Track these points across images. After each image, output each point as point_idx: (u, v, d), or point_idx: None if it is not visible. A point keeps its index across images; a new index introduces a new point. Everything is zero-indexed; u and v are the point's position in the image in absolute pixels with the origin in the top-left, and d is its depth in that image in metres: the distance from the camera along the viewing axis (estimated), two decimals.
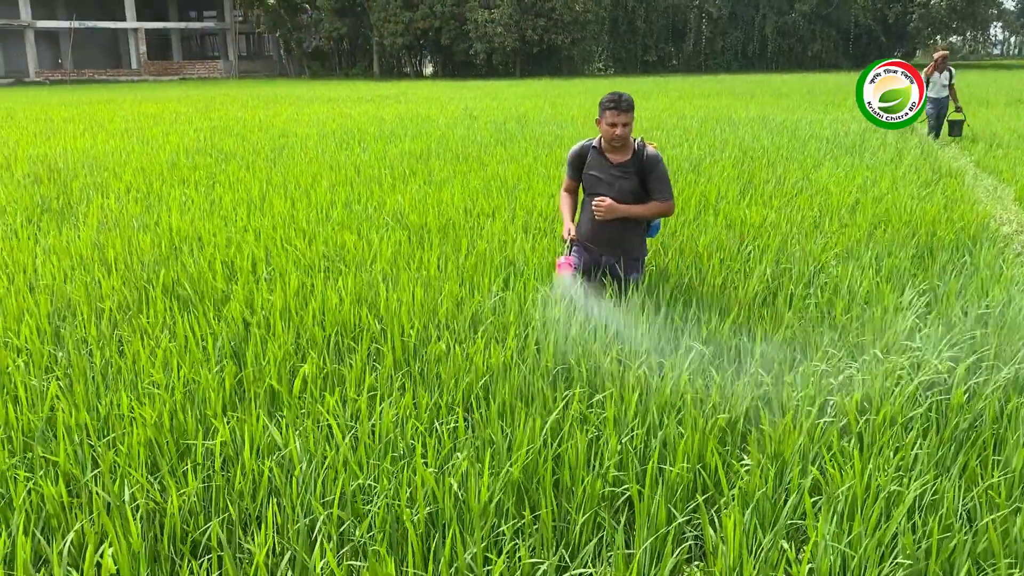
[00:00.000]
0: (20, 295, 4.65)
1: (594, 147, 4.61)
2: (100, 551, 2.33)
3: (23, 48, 53.04)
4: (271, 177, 8.95)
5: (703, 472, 2.78)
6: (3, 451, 2.90)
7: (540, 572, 2.25)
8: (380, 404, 3.21)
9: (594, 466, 2.78)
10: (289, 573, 2.29)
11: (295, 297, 4.51)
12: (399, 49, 55.15)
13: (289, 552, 2.36)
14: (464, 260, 5.23)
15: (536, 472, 2.71)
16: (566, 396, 3.21)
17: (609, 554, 2.36)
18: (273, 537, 2.42)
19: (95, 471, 2.79)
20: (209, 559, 2.38)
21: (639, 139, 4.52)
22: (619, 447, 2.85)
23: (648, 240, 5.00)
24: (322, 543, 2.35)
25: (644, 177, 4.48)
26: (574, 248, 4.69)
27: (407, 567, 2.24)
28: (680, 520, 2.52)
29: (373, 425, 3.03)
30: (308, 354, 3.72)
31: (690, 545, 2.52)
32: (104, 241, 5.86)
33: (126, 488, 2.63)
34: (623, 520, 2.51)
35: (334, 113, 18.91)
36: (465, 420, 3.13)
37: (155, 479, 2.76)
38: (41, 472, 2.77)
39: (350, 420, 3.15)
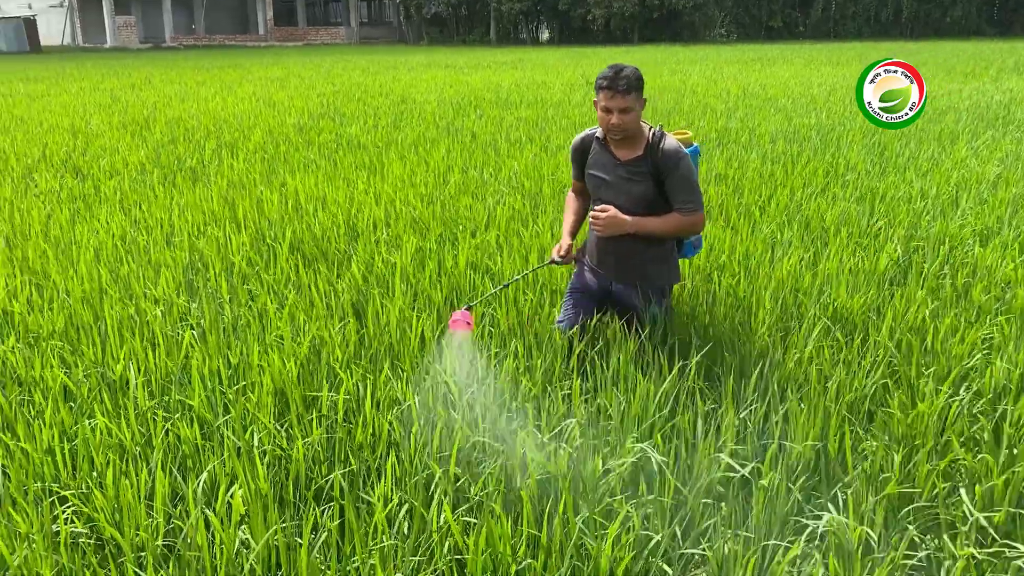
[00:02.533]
0: (158, 248, 4.91)
1: (598, 138, 3.35)
2: (231, 492, 2.45)
3: (160, 15, 55.76)
4: (391, 141, 9.11)
5: (826, 452, 2.69)
6: (143, 392, 3.09)
7: (653, 542, 2.23)
8: (494, 365, 3.24)
9: (711, 439, 2.73)
10: (407, 524, 2.35)
11: (412, 260, 4.60)
12: (516, 15, 54.96)
13: (407, 505, 2.42)
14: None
15: (652, 442, 2.69)
16: (681, 364, 3.16)
17: (727, 532, 2.32)
18: (392, 489, 2.49)
19: (226, 416, 2.94)
20: (331, 506, 2.46)
21: (656, 128, 3.24)
22: (736, 421, 2.79)
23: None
24: (439, 498, 2.41)
25: (661, 179, 3.23)
26: (576, 270, 3.65)
27: (521, 526, 2.26)
28: (799, 497, 2.45)
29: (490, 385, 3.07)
30: (423, 314, 3.79)
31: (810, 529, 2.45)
32: (234, 199, 6.11)
33: (255, 434, 2.76)
34: (740, 496, 2.46)
35: (452, 79, 19.06)
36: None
37: (282, 427, 2.89)
38: (177, 415, 2.93)
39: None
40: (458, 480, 2.52)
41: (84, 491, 2.52)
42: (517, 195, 6.23)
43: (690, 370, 3.13)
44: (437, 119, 11.14)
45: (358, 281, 4.24)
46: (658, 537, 2.23)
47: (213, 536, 2.28)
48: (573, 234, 3.55)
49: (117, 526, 2.35)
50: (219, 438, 2.80)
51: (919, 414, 2.79)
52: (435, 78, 19.60)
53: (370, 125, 10.59)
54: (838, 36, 53.61)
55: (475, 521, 2.30)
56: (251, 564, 2.17)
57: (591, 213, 3.29)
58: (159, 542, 2.30)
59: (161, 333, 3.62)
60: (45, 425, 2.76)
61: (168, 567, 2.15)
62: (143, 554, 2.26)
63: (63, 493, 2.51)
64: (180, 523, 2.35)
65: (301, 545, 2.13)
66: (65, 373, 3.24)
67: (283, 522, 2.38)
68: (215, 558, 2.20)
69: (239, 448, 2.68)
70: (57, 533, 2.35)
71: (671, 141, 3.21)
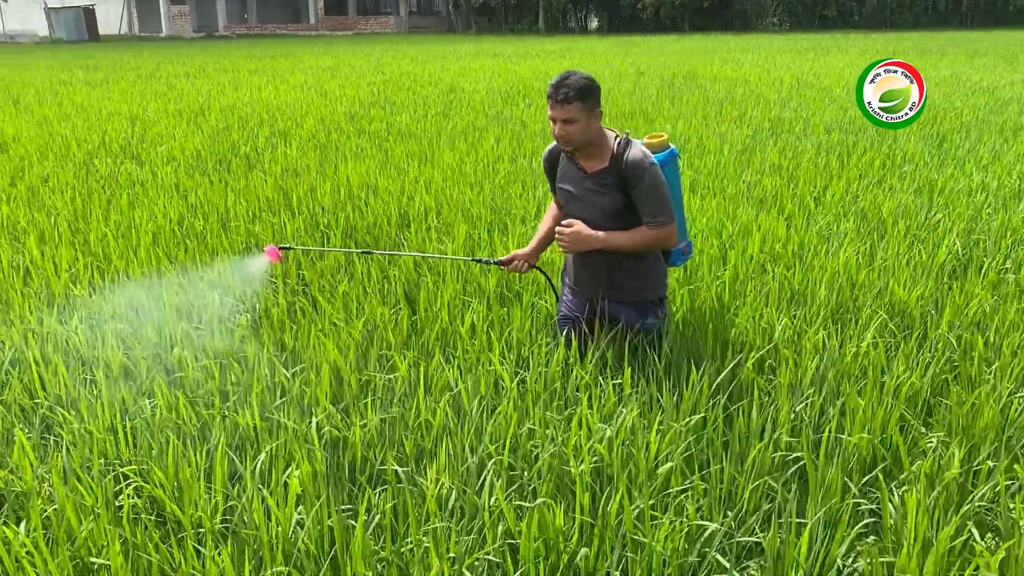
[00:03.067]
0: (214, 233, 5.01)
1: (564, 150, 3.12)
2: (287, 472, 2.50)
3: (213, 5, 56.62)
4: (440, 130, 9.15)
5: (882, 445, 2.65)
6: (202, 375, 3.16)
7: (707, 533, 2.22)
8: (543, 354, 3.24)
9: (765, 432, 2.70)
10: (460, 508, 2.37)
11: (463, 247, 4.62)
12: (565, 4, 54.72)
13: (459, 489, 2.44)
14: None
15: (705, 433, 2.67)
16: (737, 358, 3.13)
17: (780, 522, 2.30)
18: (446, 473, 2.51)
19: (283, 399, 2.99)
20: (386, 488, 2.49)
21: (622, 136, 3.01)
22: (792, 415, 2.76)
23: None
24: (491, 483, 2.42)
25: (627, 190, 3.01)
26: (561, 295, 3.46)
27: (574, 514, 2.27)
28: (855, 491, 2.41)
29: (540, 373, 3.07)
30: (472, 302, 3.81)
31: (867, 521, 2.41)
32: (288, 186, 6.20)
33: (313, 416, 2.81)
34: (795, 489, 2.43)
35: (500, 68, 19.05)
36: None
37: (338, 409, 2.93)
38: (235, 397, 2.99)
39: (518, 367, 3.21)
40: (511, 466, 2.53)
41: (144, 468, 2.59)
42: None
43: (744, 361, 3.10)
44: (486, 108, 11.15)
45: (409, 268, 4.27)
46: (713, 527, 2.21)
47: (269, 515, 2.32)
48: (540, 245, 3.37)
49: (177, 503, 2.41)
50: (277, 420, 2.85)
51: (979, 410, 2.73)
52: (484, 67, 19.61)
53: (420, 114, 10.64)
54: (894, 25, 52.31)
55: (528, 505, 2.31)
56: (306, 544, 2.20)
57: (556, 228, 3.07)
58: (217, 520, 2.35)
59: (218, 317, 3.69)
60: (106, 404, 2.84)
61: (227, 545, 2.20)
62: (202, 531, 2.31)
63: (124, 470, 2.58)
64: (237, 502, 2.40)
65: (355, 526, 2.16)
66: (125, 354, 3.33)
67: (338, 503, 2.41)
68: (272, 537, 2.24)
69: (295, 430, 2.72)
70: (120, 508, 2.42)
71: (636, 150, 2.97)
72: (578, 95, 2.85)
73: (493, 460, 2.50)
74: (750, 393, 2.89)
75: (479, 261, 3.46)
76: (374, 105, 11.64)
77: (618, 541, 2.17)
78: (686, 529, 2.18)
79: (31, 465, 2.57)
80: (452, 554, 2.15)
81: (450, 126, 9.43)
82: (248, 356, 3.25)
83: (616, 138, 3.02)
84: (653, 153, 3.08)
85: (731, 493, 2.48)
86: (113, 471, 2.58)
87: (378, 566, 2.14)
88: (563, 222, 3.07)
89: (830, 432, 2.57)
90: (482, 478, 2.48)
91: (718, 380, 2.92)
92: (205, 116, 10.73)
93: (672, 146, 3.19)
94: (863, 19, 54.41)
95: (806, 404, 2.84)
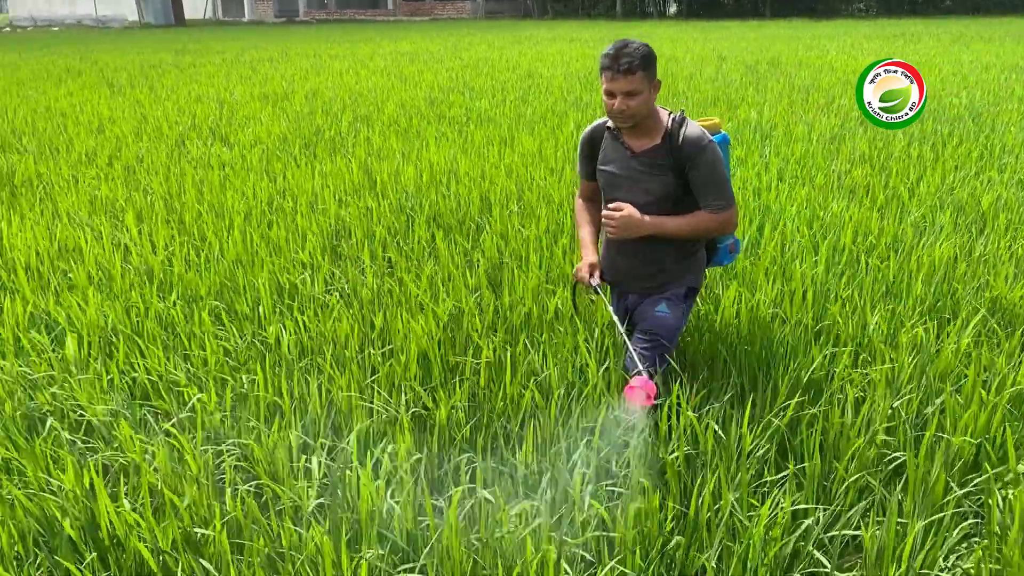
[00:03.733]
0: (302, 215, 5.12)
1: (609, 128, 2.89)
2: (380, 449, 2.54)
3: None
4: (520, 116, 9.15)
5: (987, 445, 2.56)
6: (296, 350, 3.24)
7: (804, 526, 2.19)
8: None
9: (861, 428, 2.64)
10: (549, 491, 2.38)
11: (545, 232, 4.62)
12: None
13: (549, 472, 2.45)
14: None
15: (800, 423, 2.62)
16: (832, 352, 3.06)
17: (879, 519, 2.24)
18: (533, 455, 2.52)
19: (374, 377, 3.04)
20: (474, 467, 2.52)
21: (677, 113, 2.78)
22: (890, 411, 2.68)
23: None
24: (580, 467, 2.42)
25: (683, 171, 2.75)
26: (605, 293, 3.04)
27: (668, 501, 2.25)
28: (957, 491, 2.34)
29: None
30: (557, 288, 3.81)
31: (972, 522, 2.34)
32: (373, 170, 6.29)
33: (402, 395, 2.85)
34: (897, 488, 2.37)
35: (577, 53, 18.92)
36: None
37: (425, 389, 2.97)
38: (328, 375, 3.06)
39: (601, 354, 3.20)
40: (600, 451, 2.53)
41: (243, 444, 2.67)
42: None
43: (837, 356, 3.03)
44: (565, 93, 11.10)
45: (492, 253, 4.29)
46: (809, 521, 2.18)
47: (359, 493, 2.37)
48: (596, 247, 3.07)
49: (273, 478, 2.48)
50: (368, 398, 2.90)
51: None
52: (561, 52, 19.51)
53: (498, 99, 10.65)
54: (988, 11, 49.98)
55: (622, 491, 2.31)
56: (400, 523, 2.24)
57: (604, 213, 2.81)
58: (313, 495, 2.41)
59: (310, 297, 3.78)
60: (205, 379, 2.94)
61: (324, 521, 2.26)
62: (299, 506, 2.38)
63: (222, 447, 2.67)
64: (332, 479, 2.45)
65: (448, 508, 2.19)
66: (220, 330, 3.43)
67: (430, 485, 2.45)
68: (367, 516, 2.29)
69: (385, 409, 2.77)
70: (220, 480, 2.50)
71: (693, 127, 2.74)
72: (642, 63, 2.61)
73: (582, 445, 2.50)
74: (843, 390, 2.83)
75: (590, 293, 3.07)
76: (453, 90, 11.70)
77: (716, 532, 2.15)
78: (783, 520, 2.15)
79: (133, 438, 2.68)
80: (545, 539, 2.16)
81: (529, 111, 9.42)
82: (340, 334, 3.32)
83: (670, 115, 2.79)
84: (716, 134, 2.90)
85: (826, 488, 2.43)
86: (214, 446, 2.67)
87: (471, 549, 2.17)
88: (611, 205, 2.79)
89: (930, 430, 2.50)
90: (571, 460, 2.49)
91: (810, 373, 2.86)
92: (289, 100, 10.95)
93: (723, 131, 2.97)
94: (955, 4, 52.14)
95: (904, 401, 2.76)
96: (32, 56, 21.69)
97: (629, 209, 2.74)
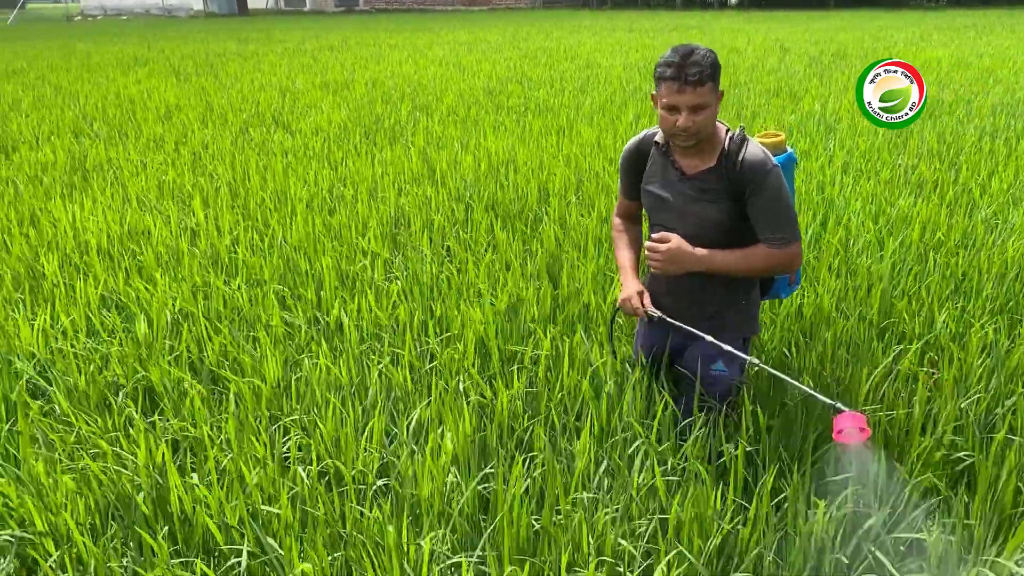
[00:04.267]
0: (362, 203, 5.18)
1: (658, 143, 2.52)
2: (440, 432, 2.58)
3: None
4: (579, 106, 9.11)
5: None
6: (356, 335, 3.29)
7: (866, 525, 2.15)
8: None
9: (927, 428, 2.58)
10: (607, 481, 2.38)
11: (604, 222, 4.60)
12: None
13: (605, 462, 2.45)
14: None
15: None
16: (896, 351, 3.00)
17: (944, 521, 2.20)
18: (591, 446, 2.53)
19: (432, 363, 3.08)
20: (531, 456, 2.54)
21: (736, 130, 2.42)
22: (957, 412, 2.62)
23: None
24: (641, 459, 2.42)
25: (740, 199, 2.41)
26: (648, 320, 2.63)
27: (728, 492, 2.24)
28: None
29: None
30: (615, 279, 3.80)
31: None
32: (432, 159, 6.33)
33: (460, 382, 2.88)
34: (962, 489, 2.32)
35: (636, 44, 18.76)
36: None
37: (484, 377, 2.99)
38: (388, 359, 3.10)
39: None
40: (660, 442, 2.52)
41: (306, 423, 2.73)
42: None
43: (904, 354, 2.97)
44: (624, 83, 11.02)
45: (551, 243, 4.30)
46: (872, 521, 2.14)
47: (416, 475, 2.40)
48: (638, 272, 2.75)
49: (334, 458, 2.53)
50: (427, 384, 2.94)
51: None
52: (620, 42, 19.36)
53: (557, 89, 10.62)
54: None
55: (679, 480, 2.31)
56: (461, 505, 2.27)
57: (647, 244, 2.46)
58: (373, 475, 2.45)
59: (370, 282, 3.83)
60: (269, 360, 3.00)
61: (386, 501, 2.29)
62: (362, 487, 2.42)
63: (285, 422, 2.73)
64: (393, 459, 2.49)
65: (505, 491, 2.21)
66: (285, 312, 3.50)
67: (490, 468, 2.47)
68: (428, 496, 2.32)
69: (444, 394, 2.80)
70: (285, 459, 2.56)
71: (755, 148, 2.37)
72: (712, 73, 2.27)
73: (642, 438, 2.50)
74: (910, 386, 2.78)
75: (646, 317, 2.62)
76: (511, 80, 11.70)
77: (772, 523, 2.14)
78: (844, 518, 2.12)
79: (196, 415, 2.75)
80: (602, 525, 2.17)
81: (588, 101, 9.38)
82: (400, 318, 3.36)
83: (728, 132, 2.43)
84: (777, 153, 2.53)
85: (888, 488, 2.38)
86: (278, 425, 2.73)
87: (529, 532, 2.18)
88: (656, 235, 2.46)
89: (1000, 433, 2.43)
90: (631, 451, 2.49)
91: (876, 371, 2.81)
92: (350, 89, 11.07)
93: (790, 149, 2.62)
94: None
95: (972, 402, 2.69)
96: (102, 44, 22.30)
97: (677, 240, 2.41)
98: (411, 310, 3.47)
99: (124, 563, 2.10)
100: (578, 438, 2.56)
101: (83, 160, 6.73)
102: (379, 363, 3.04)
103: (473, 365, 3.05)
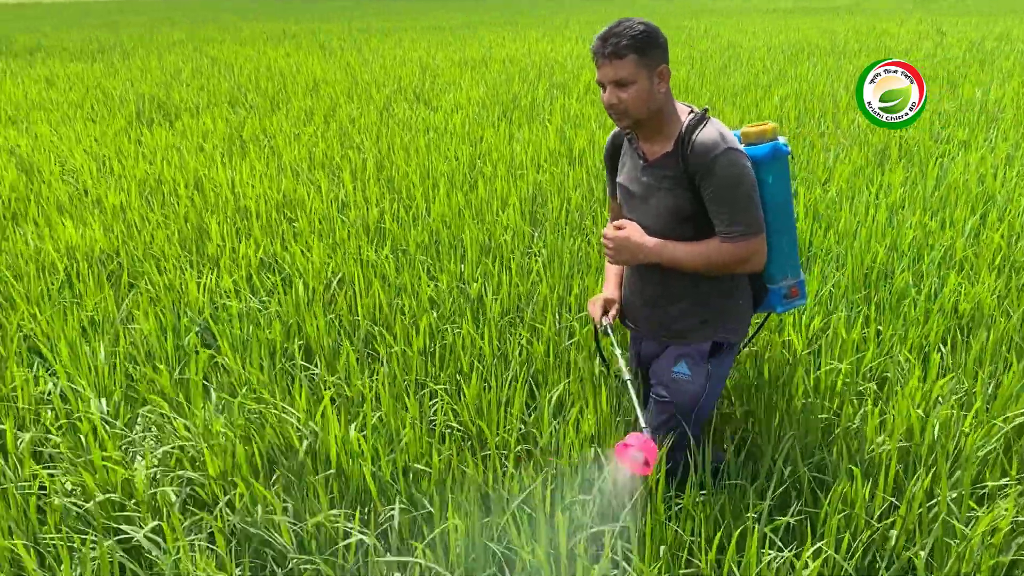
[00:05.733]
0: (501, 180, 5.27)
1: (619, 126, 2.23)
2: (576, 409, 2.62)
3: None
4: (720, 87, 8.92)
5: None
6: (497, 307, 3.37)
7: None
8: (834, 322, 3.11)
9: None
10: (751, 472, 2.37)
11: None
12: None
13: (760, 450, 2.44)
14: (933, 191, 4.77)
15: None
16: None
17: None
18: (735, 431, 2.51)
19: (571, 340, 3.12)
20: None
21: (697, 111, 2.18)
22: None
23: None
24: (786, 453, 2.39)
25: (696, 185, 2.14)
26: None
27: (878, 491, 2.19)
28: None
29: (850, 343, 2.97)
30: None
31: None
32: (569, 137, 6.36)
33: (595, 363, 2.91)
34: None
35: (780, 25, 18.13)
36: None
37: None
38: (528, 334, 3.17)
39: (809, 336, 3.11)
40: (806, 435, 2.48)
41: (449, 390, 2.83)
42: (861, 148, 5.84)
43: None
44: (768, 65, 10.69)
45: None
46: None
47: (562, 441, 2.45)
48: (618, 280, 2.54)
49: (475, 425, 2.61)
50: (565, 360, 2.99)
51: None
52: (762, 23, 18.75)
53: (697, 69, 10.42)
54: None
55: (827, 480, 2.27)
56: (602, 476, 2.30)
57: (604, 231, 2.29)
58: (513, 441, 2.52)
59: (511, 259, 3.91)
60: (418, 329, 3.12)
61: (529, 467, 2.36)
62: (504, 452, 2.50)
63: (434, 387, 2.83)
64: (536, 431, 2.56)
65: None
66: (432, 283, 3.63)
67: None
68: (570, 465, 2.37)
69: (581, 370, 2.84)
70: (432, 423, 2.67)
71: (710, 129, 2.11)
72: (633, 45, 2.05)
73: (789, 434, 2.46)
74: None
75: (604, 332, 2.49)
76: None
77: (926, 527, 2.08)
78: (1005, 527, 2.04)
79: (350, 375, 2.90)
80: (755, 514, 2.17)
81: (731, 83, 9.16)
82: (541, 293, 3.42)
83: (691, 113, 2.19)
84: (747, 146, 2.18)
85: None
86: (424, 389, 2.84)
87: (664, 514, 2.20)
88: (614, 223, 2.29)
89: None
90: (782, 446, 2.46)
91: None
92: (487, 66, 11.21)
93: (781, 139, 2.22)
94: None
95: None
96: (251, 19, 23.38)
97: (630, 228, 2.23)
98: (551, 286, 3.52)
99: (286, 508, 2.25)
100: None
101: (240, 129, 7.12)
102: (519, 336, 3.11)
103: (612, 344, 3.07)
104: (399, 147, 6.19)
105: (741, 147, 2.11)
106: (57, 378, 2.87)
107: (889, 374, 2.81)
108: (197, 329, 3.27)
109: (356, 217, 4.54)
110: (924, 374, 2.82)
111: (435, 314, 3.40)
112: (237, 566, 2.07)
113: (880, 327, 3.11)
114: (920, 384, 2.64)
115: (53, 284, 3.72)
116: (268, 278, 3.77)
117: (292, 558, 2.08)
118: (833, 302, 3.39)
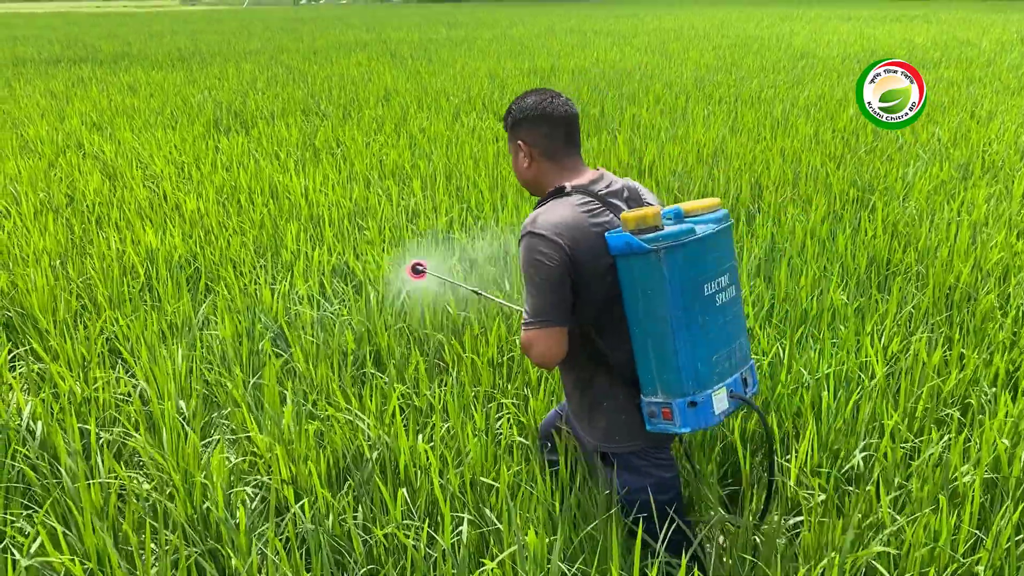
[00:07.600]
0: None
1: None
2: None
3: None
4: (794, 98, 8.75)
5: None
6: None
7: None
8: (915, 345, 3.01)
9: None
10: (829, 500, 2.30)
11: (822, 223, 4.41)
12: None
13: (827, 472, 2.37)
14: (1020, 209, 4.59)
15: None
16: None
17: None
18: (814, 454, 2.45)
19: None
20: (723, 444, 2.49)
21: (573, 187, 1.91)
22: None
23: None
24: (857, 467, 2.32)
25: None
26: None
27: (962, 523, 2.10)
28: None
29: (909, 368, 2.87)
30: (835, 280, 3.63)
31: None
32: (639, 148, 6.31)
33: None
34: None
35: (855, 33, 17.72)
36: None
37: None
38: None
39: (888, 358, 3.02)
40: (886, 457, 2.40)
41: (516, 401, 2.82)
42: (942, 162, 5.66)
43: None
44: (843, 76, 10.46)
45: (767, 242, 4.17)
46: None
47: None
48: None
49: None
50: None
51: None
52: (836, 31, 18.37)
53: (769, 80, 10.25)
54: None
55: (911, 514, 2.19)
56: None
57: None
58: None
59: None
60: (489, 341, 3.13)
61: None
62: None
63: (502, 400, 2.83)
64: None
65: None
66: (500, 293, 3.63)
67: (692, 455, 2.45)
68: None
69: None
70: (499, 433, 2.66)
71: (537, 211, 1.90)
72: (505, 122, 2.04)
73: (860, 447, 2.39)
74: None
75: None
76: (719, 70, 11.41)
77: (1013, 561, 1.99)
78: None
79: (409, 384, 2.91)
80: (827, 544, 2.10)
81: (804, 93, 8.98)
82: None
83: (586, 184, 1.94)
84: (639, 233, 1.74)
85: None
86: (492, 401, 2.84)
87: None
88: None
89: None
90: (853, 456, 2.39)
91: None
92: (556, 76, 11.21)
93: (684, 226, 1.75)
94: None
95: None
96: (325, 28, 23.85)
97: None
98: None
99: (356, 516, 2.27)
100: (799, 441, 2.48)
101: (313, 136, 7.25)
102: None
103: None
104: (468, 157, 6.22)
105: (547, 232, 1.83)
106: (136, 380, 2.95)
107: (972, 400, 2.70)
108: (271, 335, 3.33)
109: (425, 226, 4.58)
110: (1012, 401, 2.70)
111: (504, 326, 3.40)
112: (308, 572, 2.09)
113: (964, 350, 3.00)
114: (1007, 413, 2.53)
115: (134, 287, 3.83)
116: (341, 286, 3.82)
117: (361, 569, 2.09)
118: (913, 324, 3.29)
